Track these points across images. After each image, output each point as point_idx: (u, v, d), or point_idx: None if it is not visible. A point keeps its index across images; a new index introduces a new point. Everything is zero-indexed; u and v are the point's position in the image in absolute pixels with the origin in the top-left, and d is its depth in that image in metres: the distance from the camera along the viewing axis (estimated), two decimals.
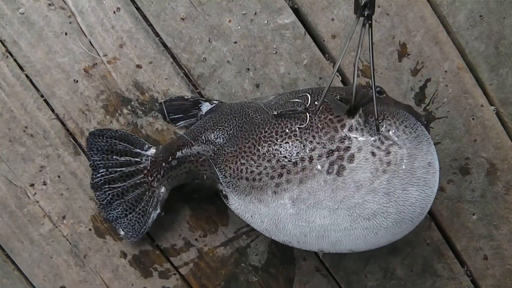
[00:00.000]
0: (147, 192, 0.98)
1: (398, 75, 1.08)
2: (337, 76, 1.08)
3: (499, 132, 1.10)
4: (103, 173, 0.98)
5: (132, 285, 1.07)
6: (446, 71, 1.08)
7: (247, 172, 0.88)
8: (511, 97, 1.10)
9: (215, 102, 1.00)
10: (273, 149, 0.87)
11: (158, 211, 0.98)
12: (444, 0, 1.06)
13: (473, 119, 1.09)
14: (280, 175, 0.86)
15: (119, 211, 0.99)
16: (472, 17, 1.07)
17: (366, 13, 0.78)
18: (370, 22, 0.80)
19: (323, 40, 1.06)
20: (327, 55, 1.07)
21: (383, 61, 1.07)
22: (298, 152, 0.86)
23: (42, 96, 1.02)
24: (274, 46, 1.04)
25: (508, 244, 1.14)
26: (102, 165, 0.98)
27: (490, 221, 1.13)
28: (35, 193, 1.04)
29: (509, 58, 1.09)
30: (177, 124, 1.03)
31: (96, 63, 1.02)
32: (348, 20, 1.05)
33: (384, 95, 0.96)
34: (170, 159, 0.95)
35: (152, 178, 0.97)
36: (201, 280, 1.08)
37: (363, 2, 0.77)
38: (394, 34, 1.06)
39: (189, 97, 1.01)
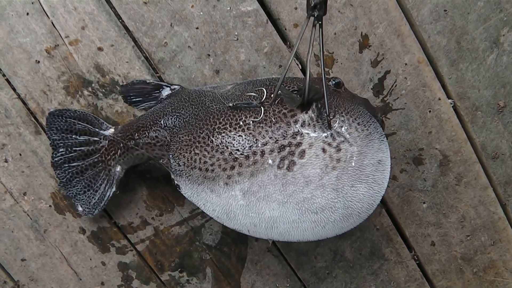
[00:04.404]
0: (104, 171, 1.00)
1: (357, 65, 1.09)
2: (297, 65, 1.09)
3: (455, 126, 1.12)
4: (63, 152, 1.01)
5: (90, 259, 1.12)
6: (406, 64, 1.09)
7: (200, 162, 0.90)
8: (469, 92, 1.12)
9: (176, 87, 1.01)
10: (226, 142, 0.89)
11: (114, 189, 1.00)
12: None
13: (429, 111, 1.11)
14: (232, 167, 0.88)
15: (78, 188, 1.01)
16: (436, 11, 1.07)
17: (316, 14, 0.79)
18: (320, 22, 0.81)
19: (285, 29, 1.06)
20: (288, 43, 1.07)
21: (344, 52, 1.08)
22: (250, 146, 0.88)
23: (4, 75, 1.03)
24: (236, 33, 1.05)
25: (455, 232, 1.19)
26: (61, 144, 1.00)
27: (439, 209, 1.18)
28: None
29: (470, 53, 1.10)
30: (137, 107, 1.04)
31: (58, 44, 1.02)
32: None
33: (343, 88, 0.97)
34: (127, 140, 0.97)
35: (109, 157, 0.99)
36: (157, 257, 1.13)
37: (313, 2, 0.78)
38: (357, 25, 1.07)
39: (151, 81, 1.03)
